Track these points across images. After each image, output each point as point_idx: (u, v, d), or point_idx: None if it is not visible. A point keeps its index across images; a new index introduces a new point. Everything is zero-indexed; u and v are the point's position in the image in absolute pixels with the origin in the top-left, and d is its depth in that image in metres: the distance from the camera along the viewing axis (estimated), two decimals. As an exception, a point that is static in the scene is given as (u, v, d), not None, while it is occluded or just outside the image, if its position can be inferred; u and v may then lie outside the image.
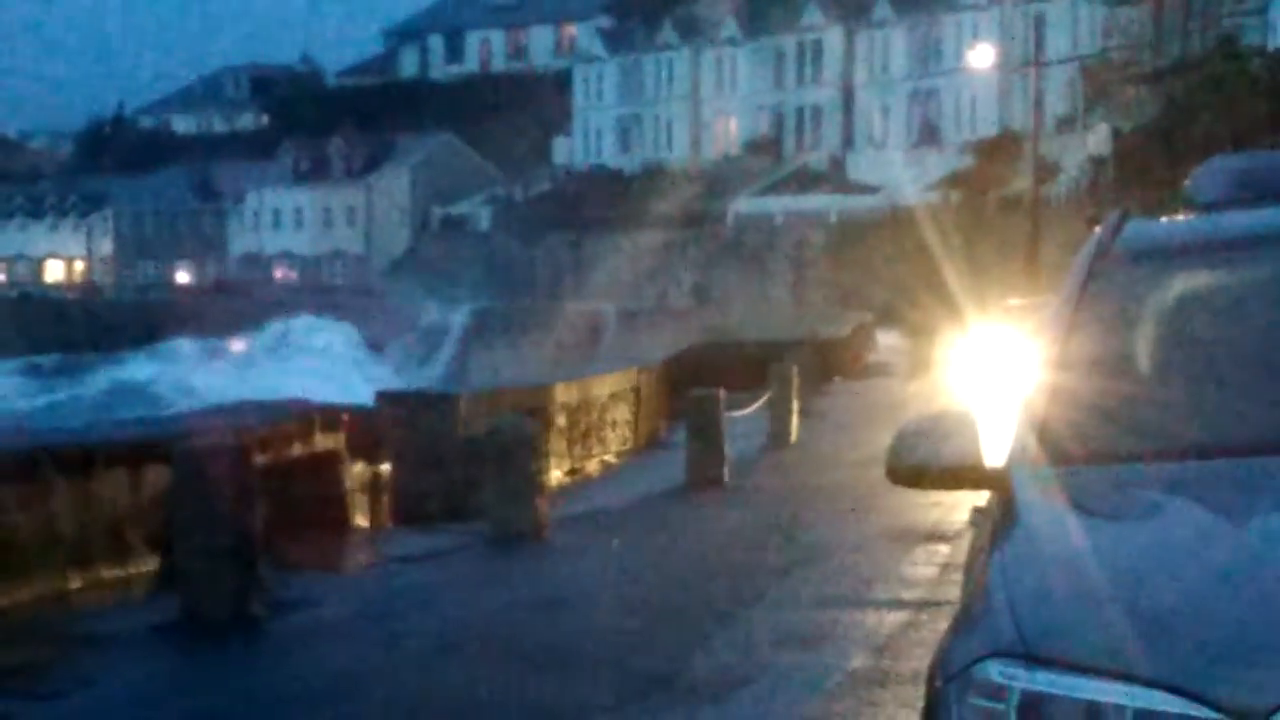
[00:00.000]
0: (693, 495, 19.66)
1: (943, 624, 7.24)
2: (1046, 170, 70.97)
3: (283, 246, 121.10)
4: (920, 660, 9.23)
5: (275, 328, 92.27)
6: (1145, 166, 58.81)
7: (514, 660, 10.45)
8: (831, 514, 17.64)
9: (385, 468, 17.45)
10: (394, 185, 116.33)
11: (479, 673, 10.13)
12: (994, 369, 20.43)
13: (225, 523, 11.36)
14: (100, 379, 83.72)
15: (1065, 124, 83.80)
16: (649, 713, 9.11)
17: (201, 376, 74.09)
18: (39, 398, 78.03)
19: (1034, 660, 3.88)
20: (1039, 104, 57.03)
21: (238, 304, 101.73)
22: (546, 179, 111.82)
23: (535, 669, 10.17)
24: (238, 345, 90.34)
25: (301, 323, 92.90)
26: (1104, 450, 4.92)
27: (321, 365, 78.48)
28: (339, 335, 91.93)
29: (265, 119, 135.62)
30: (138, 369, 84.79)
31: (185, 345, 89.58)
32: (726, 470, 20.49)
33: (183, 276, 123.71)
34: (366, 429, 16.96)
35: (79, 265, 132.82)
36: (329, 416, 16.30)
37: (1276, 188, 5.81)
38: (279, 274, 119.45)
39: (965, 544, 12.69)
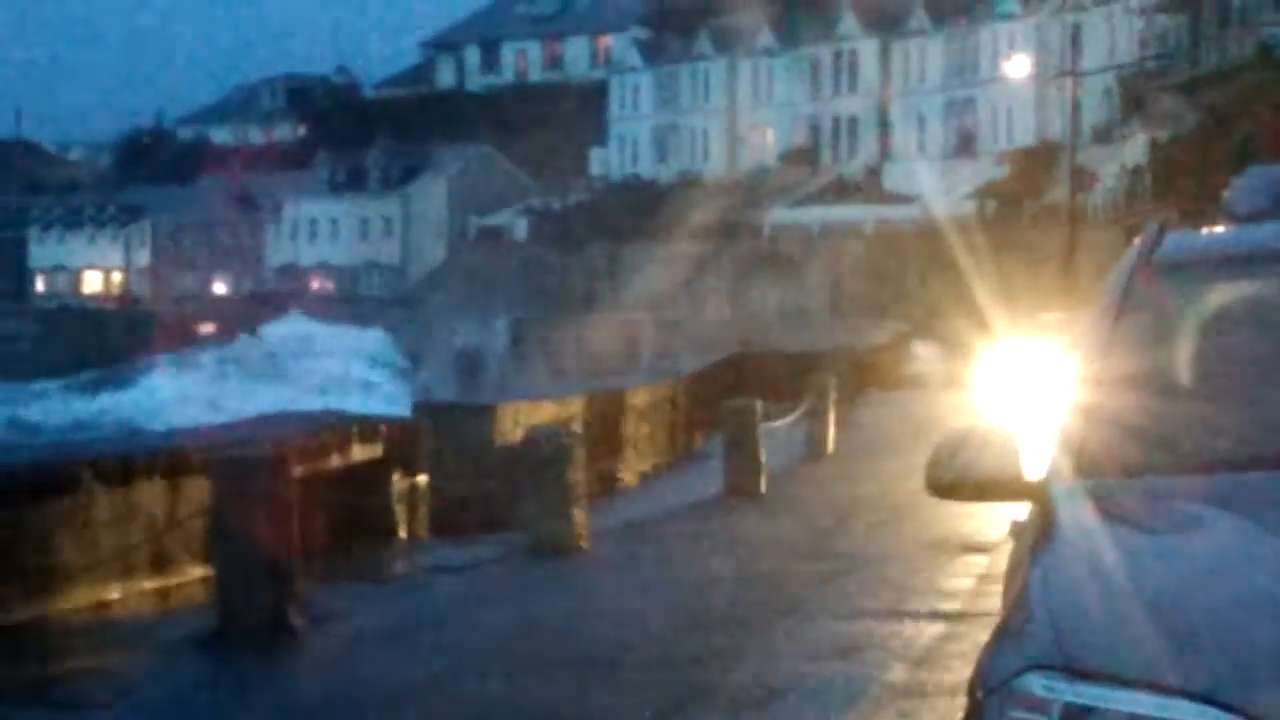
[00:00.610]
0: (730, 506, 19.66)
1: (981, 635, 7.24)
2: (1083, 180, 70.83)
3: (319, 257, 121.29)
4: (958, 672, 9.22)
5: (275, 330, 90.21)
6: (1183, 176, 58.61)
7: (552, 671, 10.46)
8: (868, 525, 17.63)
9: (423, 479, 17.46)
10: (430, 196, 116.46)
11: (516, 684, 10.14)
12: (1028, 383, 20.42)
13: (264, 534, 11.40)
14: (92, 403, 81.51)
15: (1102, 134, 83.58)
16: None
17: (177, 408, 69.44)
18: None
19: (1076, 673, 3.88)
20: (1076, 113, 56.87)
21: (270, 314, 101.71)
22: (583, 190, 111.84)
23: (574, 681, 10.18)
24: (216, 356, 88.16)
25: (301, 328, 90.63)
26: (1142, 463, 4.92)
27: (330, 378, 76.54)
28: (368, 342, 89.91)
29: (302, 130, 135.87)
30: (150, 389, 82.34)
31: (205, 357, 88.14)
32: (764, 481, 20.47)
33: (220, 288, 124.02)
34: (404, 440, 16.99)
35: (116, 276, 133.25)
36: (367, 427, 16.34)
37: (1315, 198, 5.80)
38: (315, 284, 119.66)
39: (1003, 556, 12.68)
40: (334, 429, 15.89)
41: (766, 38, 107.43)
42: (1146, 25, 79.91)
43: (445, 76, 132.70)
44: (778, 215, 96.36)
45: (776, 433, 22.47)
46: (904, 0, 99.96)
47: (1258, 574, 4.12)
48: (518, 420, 18.59)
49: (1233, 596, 4.04)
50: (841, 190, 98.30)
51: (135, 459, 13.06)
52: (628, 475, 23.41)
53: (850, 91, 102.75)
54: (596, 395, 23.25)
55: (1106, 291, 5.63)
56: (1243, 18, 65.48)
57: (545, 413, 19.92)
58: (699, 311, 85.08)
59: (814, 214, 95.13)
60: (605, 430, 22.37)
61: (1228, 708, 3.72)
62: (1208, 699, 3.74)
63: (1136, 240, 5.87)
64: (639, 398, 24.65)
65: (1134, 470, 4.87)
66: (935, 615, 11.90)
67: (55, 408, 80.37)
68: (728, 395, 22.70)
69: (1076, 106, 61.71)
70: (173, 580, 12.92)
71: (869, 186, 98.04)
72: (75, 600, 11.99)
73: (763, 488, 20.34)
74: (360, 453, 15.92)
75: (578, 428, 17.25)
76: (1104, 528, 4.59)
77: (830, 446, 25.80)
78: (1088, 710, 3.84)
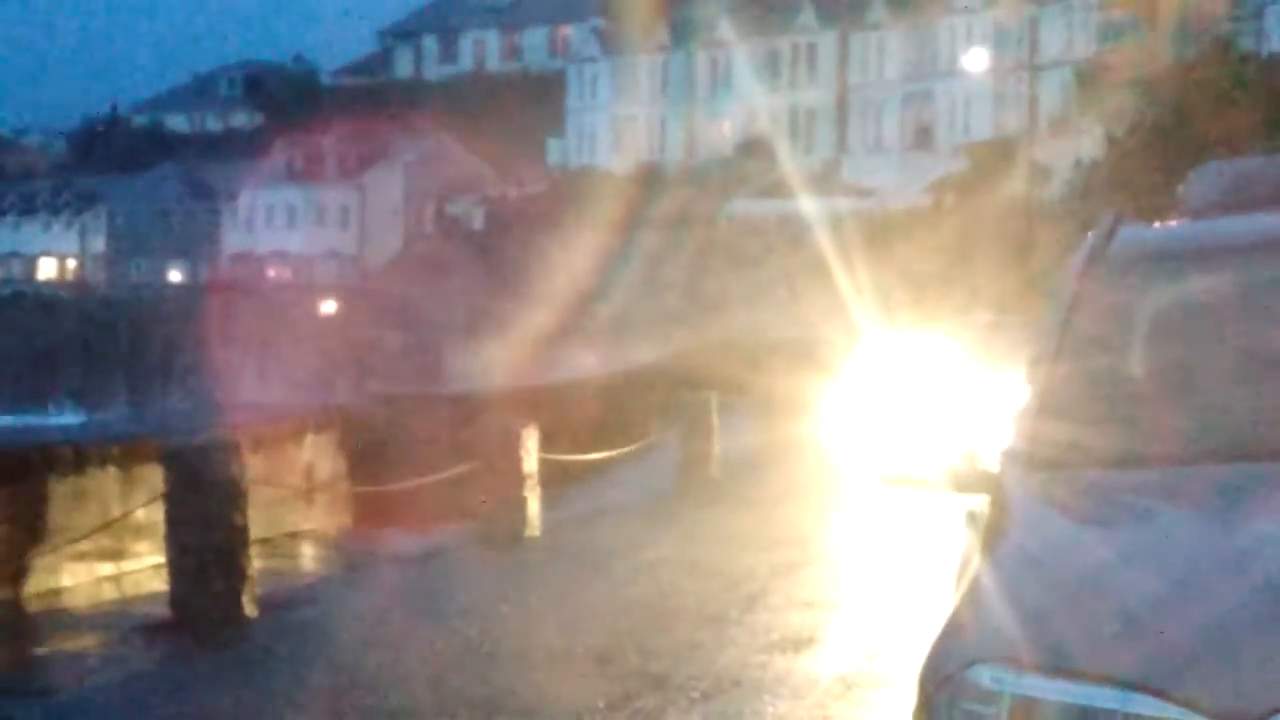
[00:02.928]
0: (683, 496, 19.67)
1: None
2: (1040, 174, 70.95)
3: (276, 245, 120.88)
4: (903, 664, 9.24)
5: None
6: (1138, 171, 58.82)
7: (508, 660, 10.45)
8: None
9: (376, 467, 17.42)
10: (388, 185, 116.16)
11: (470, 673, 10.13)
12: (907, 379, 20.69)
13: (217, 522, 11.36)
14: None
15: (1058, 127, 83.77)
16: (642, 714, 9.12)
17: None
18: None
19: (1025, 665, 3.89)
20: (1033, 107, 57.00)
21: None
22: (540, 179, 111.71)
23: (529, 669, 10.17)
24: None
25: None
26: (1096, 455, 4.93)
27: None
28: None
29: (259, 118, 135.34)
30: None
31: None
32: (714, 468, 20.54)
33: (175, 275, 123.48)
34: (358, 429, 16.96)
35: (71, 263, 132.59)
36: (321, 417, 16.31)
37: (1270, 194, 5.81)
38: (272, 273, 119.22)
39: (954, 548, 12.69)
40: (289, 418, 15.86)
41: (725, 29, 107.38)
42: (1104, 20, 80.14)
43: (403, 65, 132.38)
44: (736, 206, 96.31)
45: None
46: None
47: (1208, 566, 4.14)
48: (468, 411, 18.54)
49: (1182, 589, 4.05)
50: (800, 182, 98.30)
51: (87, 447, 13.01)
52: (579, 465, 23.38)
53: (810, 84, 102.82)
54: (549, 385, 23.18)
55: (1061, 284, 5.64)
56: (1199, 14, 65.73)
57: (496, 402, 19.88)
58: (657, 302, 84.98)
59: (772, 206, 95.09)
60: (556, 419, 22.31)
61: (1176, 699, 3.73)
62: (1157, 691, 3.76)
63: (1090, 234, 5.88)
64: (589, 387, 24.59)
65: (1087, 462, 4.89)
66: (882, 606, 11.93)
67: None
68: (684, 387, 22.65)
69: (1033, 100, 61.82)
70: (125, 568, 12.87)
71: (829, 179, 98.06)
72: (26, 588, 11.94)
73: (716, 475, 20.33)
74: (315, 441, 15.89)
75: (528, 417, 17.21)
76: (1057, 520, 4.61)
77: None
78: (1037, 703, 3.85)
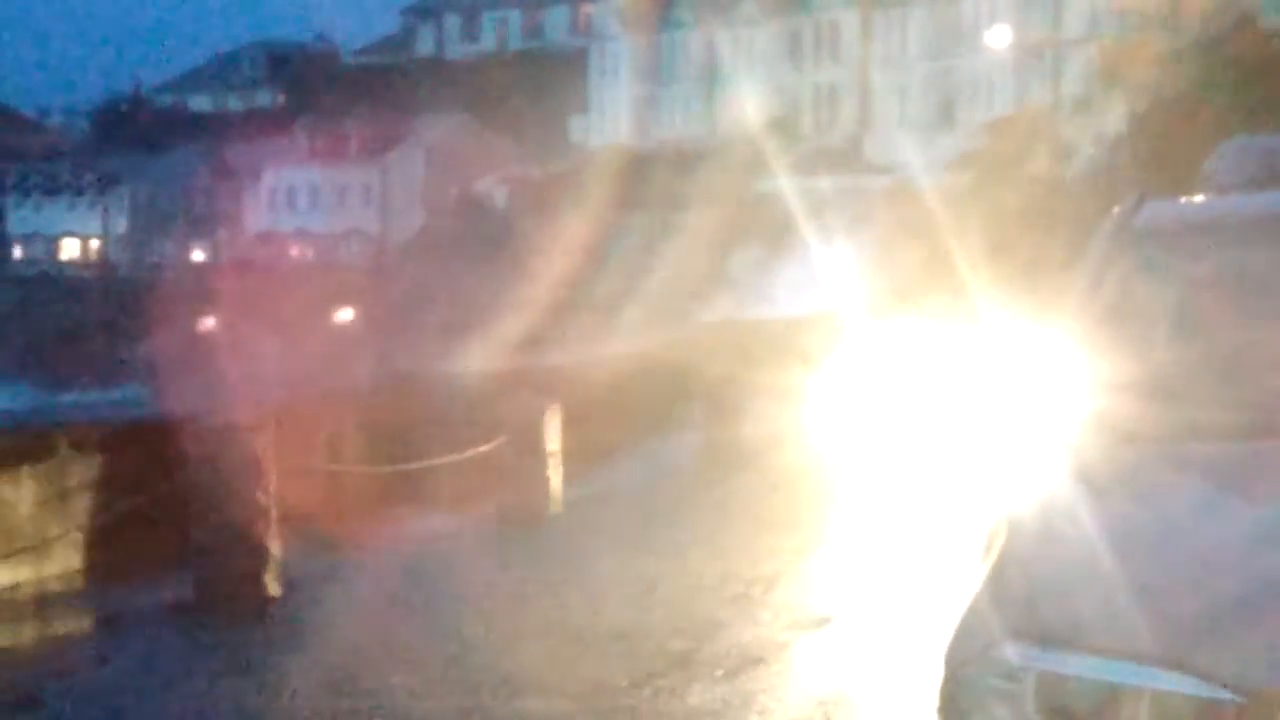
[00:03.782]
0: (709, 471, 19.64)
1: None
2: (1063, 150, 70.83)
3: (298, 225, 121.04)
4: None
5: None
6: (1162, 147, 58.65)
7: (526, 639, 10.45)
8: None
9: (398, 446, 17.39)
10: (410, 164, 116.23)
11: (491, 651, 10.13)
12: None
13: (239, 500, 11.36)
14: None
15: (1082, 104, 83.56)
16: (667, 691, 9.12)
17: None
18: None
19: (1052, 641, 3.88)
20: (1057, 84, 56.83)
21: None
22: (563, 158, 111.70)
23: (549, 648, 10.17)
24: None
25: None
26: (1121, 430, 4.91)
27: None
28: None
29: (281, 97, 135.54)
30: None
31: None
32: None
33: (198, 255, 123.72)
34: (376, 408, 16.93)
35: (94, 244, 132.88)
36: (340, 395, 16.31)
37: (1295, 169, 5.78)
38: (294, 252, 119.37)
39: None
40: (309, 396, 15.85)
41: (747, 7, 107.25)
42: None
43: (425, 44, 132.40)
44: (759, 184, 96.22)
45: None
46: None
47: (1233, 542, 4.12)
48: (490, 389, 18.51)
49: (1205, 565, 4.04)
50: (822, 160, 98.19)
51: (111, 426, 13.02)
52: (604, 444, 23.32)
53: (831, 61, 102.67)
54: (568, 364, 23.15)
55: (1087, 260, 5.61)
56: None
57: (515, 380, 19.84)
58: (678, 279, 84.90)
59: (795, 183, 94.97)
60: (582, 399, 22.26)
61: (1199, 674, 3.72)
62: (1180, 665, 3.74)
63: (1116, 210, 5.85)
64: (612, 366, 24.50)
65: (1115, 439, 4.87)
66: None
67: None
68: (707, 365, 22.62)
69: (1057, 77, 61.63)
70: (148, 547, 12.87)
71: (851, 156, 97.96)
72: (50, 568, 11.95)
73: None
74: (334, 418, 15.87)
75: (553, 397, 17.19)
76: (1083, 498, 4.59)
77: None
78: (1064, 678, 3.84)
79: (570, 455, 16.30)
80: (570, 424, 16.51)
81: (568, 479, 16.23)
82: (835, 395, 25.00)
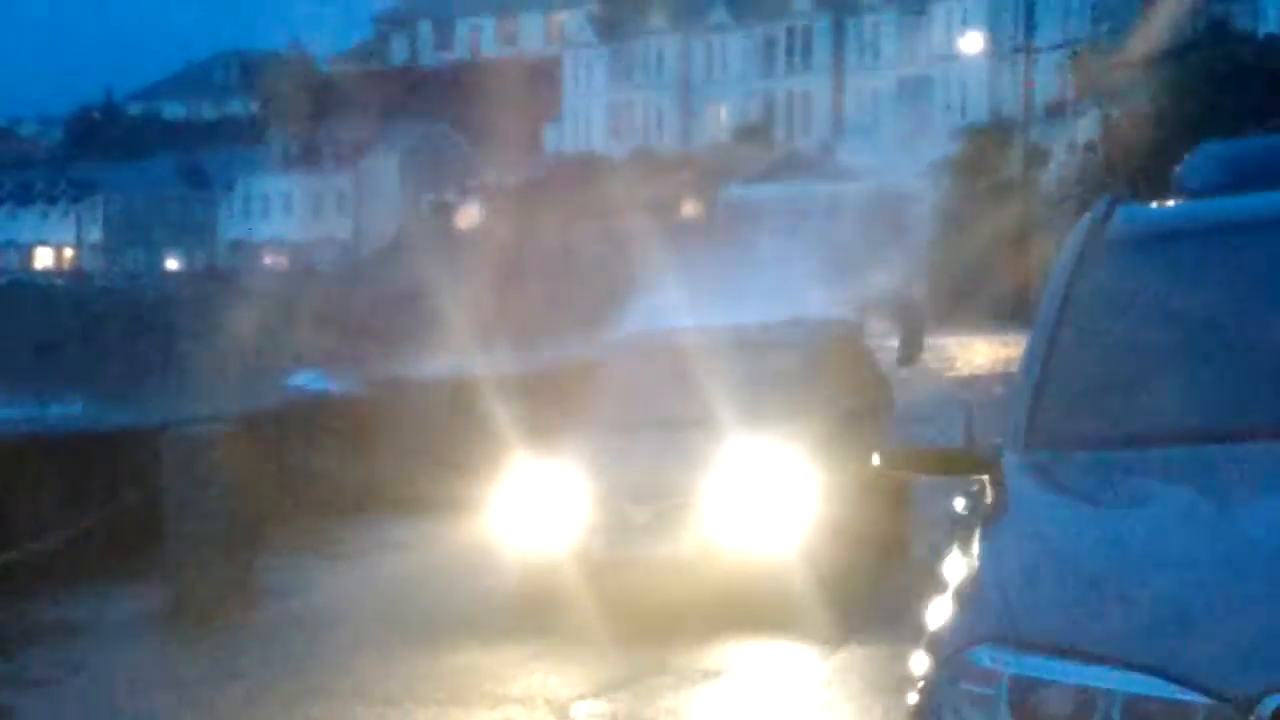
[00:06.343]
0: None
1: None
2: (1036, 156, 70.97)
3: (272, 233, 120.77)
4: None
5: None
6: (1135, 153, 58.81)
7: (506, 645, 10.44)
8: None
9: (374, 453, 17.36)
10: (384, 171, 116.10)
11: (465, 655, 10.13)
12: None
13: (216, 510, 11.34)
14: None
15: (1055, 110, 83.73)
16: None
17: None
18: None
19: (1024, 645, 3.89)
20: (1028, 90, 57.00)
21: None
22: (537, 166, 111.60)
23: (529, 654, 10.16)
24: None
25: None
26: (1094, 436, 4.93)
27: None
28: None
29: (255, 105, 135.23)
30: None
31: None
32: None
33: (172, 263, 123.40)
34: (358, 414, 16.92)
35: (68, 252, 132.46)
36: (323, 403, 16.30)
37: (1265, 174, 5.80)
38: (268, 260, 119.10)
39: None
40: (289, 404, 15.83)
41: (720, 14, 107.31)
42: (1100, 2, 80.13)
43: (399, 52, 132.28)
44: (732, 191, 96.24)
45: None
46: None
47: (1205, 547, 4.13)
48: (469, 395, 18.46)
49: (1180, 569, 4.05)
50: (796, 166, 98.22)
51: (85, 437, 13.01)
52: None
53: (804, 68, 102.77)
54: (540, 369, 23.09)
55: (1058, 265, 5.63)
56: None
57: (496, 385, 19.78)
58: (653, 286, 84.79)
59: (767, 190, 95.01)
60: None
61: (1174, 679, 3.73)
62: (1155, 670, 3.76)
63: (1088, 214, 5.87)
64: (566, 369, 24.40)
65: (1085, 443, 4.88)
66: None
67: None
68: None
69: (1029, 83, 61.73)
70: (125, 557, 12.85)
71: (824, 163, 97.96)
72: (26, 579, 11.92)
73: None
74: (318, 426, 15.84)
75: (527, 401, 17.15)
76: (1055, 501, 4.61)
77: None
78: (1036, 682, 3.85)
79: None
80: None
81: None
82: None
